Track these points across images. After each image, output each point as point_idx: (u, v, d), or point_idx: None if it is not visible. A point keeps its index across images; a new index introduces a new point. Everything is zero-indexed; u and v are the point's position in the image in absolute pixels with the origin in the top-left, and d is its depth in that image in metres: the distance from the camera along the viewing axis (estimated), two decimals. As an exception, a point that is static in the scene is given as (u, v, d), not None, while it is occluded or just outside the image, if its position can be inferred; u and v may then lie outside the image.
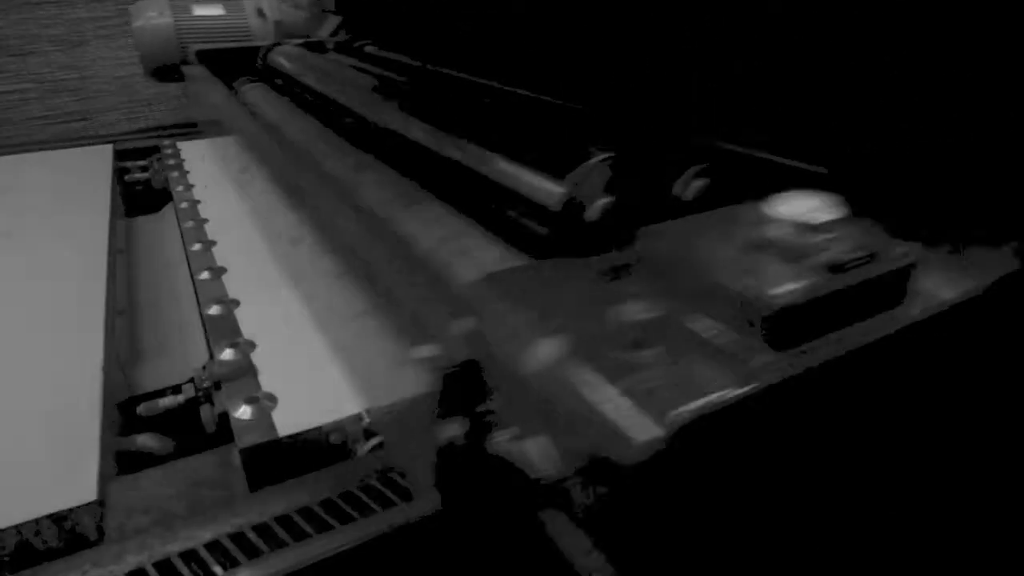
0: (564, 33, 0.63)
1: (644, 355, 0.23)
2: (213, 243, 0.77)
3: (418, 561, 0.37)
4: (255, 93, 0.93)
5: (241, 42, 1.35)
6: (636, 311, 0.25)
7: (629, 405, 0.21)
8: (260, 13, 1.41)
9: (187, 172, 1.04)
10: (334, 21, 1.25)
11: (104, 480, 0.41)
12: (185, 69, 1.24)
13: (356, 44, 1.15)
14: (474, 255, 0.38)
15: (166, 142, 1.19)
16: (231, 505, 0.38)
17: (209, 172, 1.04)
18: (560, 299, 0.27)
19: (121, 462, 0.47)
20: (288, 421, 0.46)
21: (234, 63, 1.17)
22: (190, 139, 1.24)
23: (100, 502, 0.39)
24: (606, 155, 0.37)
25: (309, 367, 0.52)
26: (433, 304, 0.32)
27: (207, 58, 1.20)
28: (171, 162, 1.09)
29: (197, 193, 0.94)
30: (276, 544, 0.35)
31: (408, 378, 0.50)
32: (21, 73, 1.81)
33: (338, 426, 0.45)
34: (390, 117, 0.62)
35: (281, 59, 1.10)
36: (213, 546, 0.35)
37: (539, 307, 0.26)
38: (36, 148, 1.19)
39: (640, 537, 0.23)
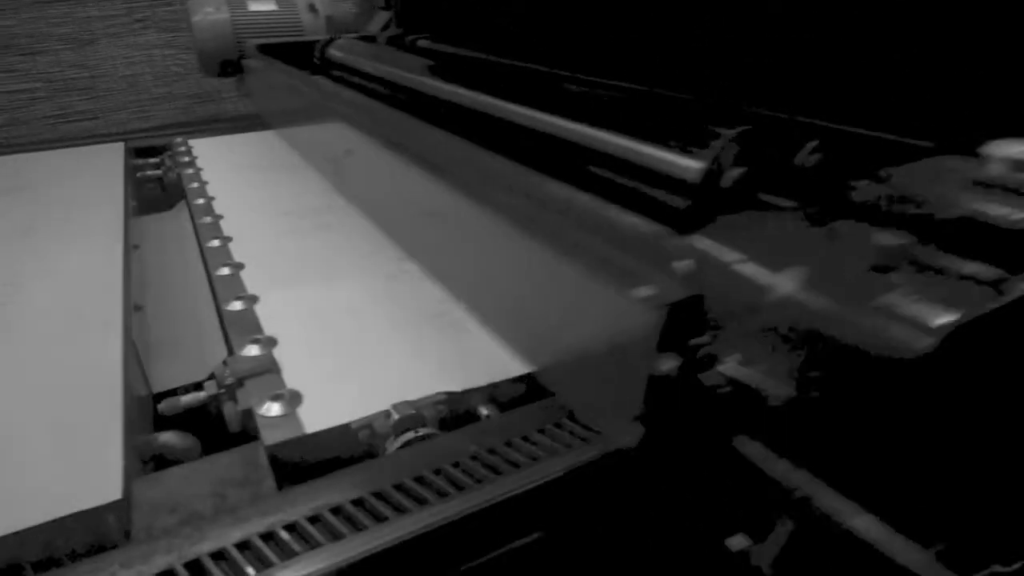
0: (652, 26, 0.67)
1: (893, 277, 0.27)
2: (229, 239, 0.76)
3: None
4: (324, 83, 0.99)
5: (293, 37, 1.40)
6: (870, 241, 0.29)
7: (892, 317, 0.25)
8: (312, 8, 1.45)
9: (200, 169, 1.03)
10: (383, 17, 1.28)
11: (129, 479, 0.40)
12: (247, 62, 1.29)
13: (409, 39, 1.18)
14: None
15: (178, 139, 1.18)
16: (259, 504, 0.37)
17: (222, 168, 1.04)
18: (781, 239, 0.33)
19: (144, 460, 0.46)
20: (314, 418, 0.45)
21: (291, 57, 1.22)
22: (201, 136, 1.23)
23: (125, 501, 0.38)
24: (740, 129, 0.42)
25: (333, 363, 0.51)
26: (642, 250, 0.38)
27: (267, 52, 1.26)
28: (184, 159, 1.08)
29: (211, 190, 0.93)
30: (309, 544, 0.34)
31: (434, 371, 0.49)
32: (31, 72, 1.81)
33: (366, 423, 0.44)
34: (502, 108, 0.66)
35: (342, 52, 1.15)
36: (243, 546, 0.34)
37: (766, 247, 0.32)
38: (47, 147, 1.18)
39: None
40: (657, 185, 0.46)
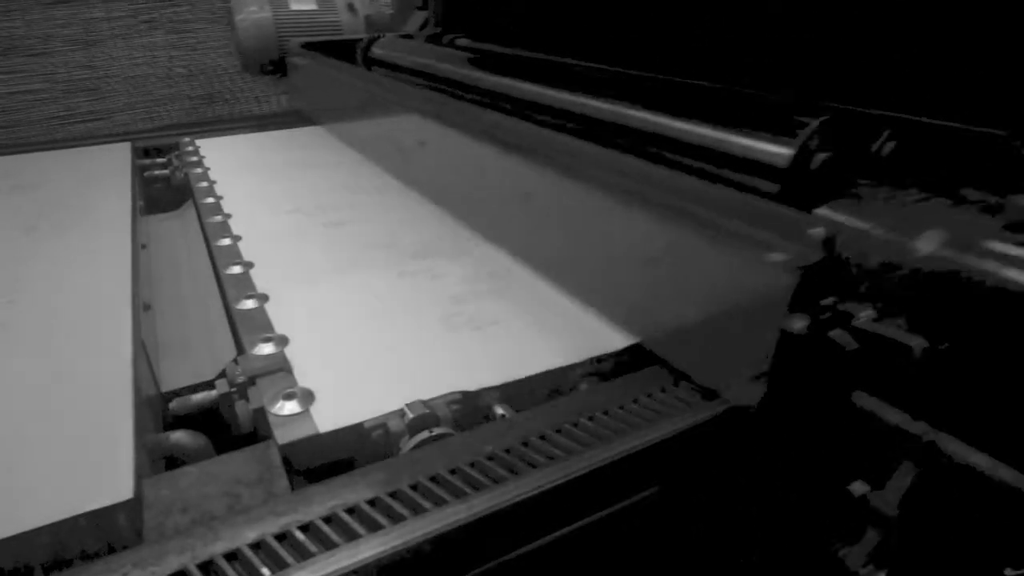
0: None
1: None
2: (239, 237, 0.75)
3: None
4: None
5: (332, 36, 1.44)
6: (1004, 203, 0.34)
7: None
8: (350, 8, 1.50)
9: (208, 168, 1.02)
10: (419, 17, 1.32)
11: (140, 478, 0.39)
12: (294, 59, 1.33)
13: (448, 37, 1.23)
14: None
15: (186, 139, 1.18)
16: (273, 504, 0.36)
17: (230, 168, 1.03)
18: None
19: (155, 460, 0.45)
20: (327, 417, 0.44)
21: (332, 54, 1.27)
22: (208, 136, 1.23)
23: (137, 500, 0.37)
24: (823, 119, 0.45)
25: (346, 362, 0.51)
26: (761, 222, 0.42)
27: (312, 49, 1.31)
28: (192, 159, 1.07)
29: (219, 189, 0.93)
30: (324, 544, 0.33)
31: (448, 370, 0.48)
32: (37, 73, 1.81)
33: (380, 422, 0.43)
34: (582, 103, 0.71)
35: (385, 50, 1.21)
36: (257, 546, 0.34)
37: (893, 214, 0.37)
38: (54, 147, 1.18)
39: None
40: (752, 169, 0.49)
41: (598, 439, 0.40)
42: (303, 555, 0.33)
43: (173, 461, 0.47)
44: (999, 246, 0.33)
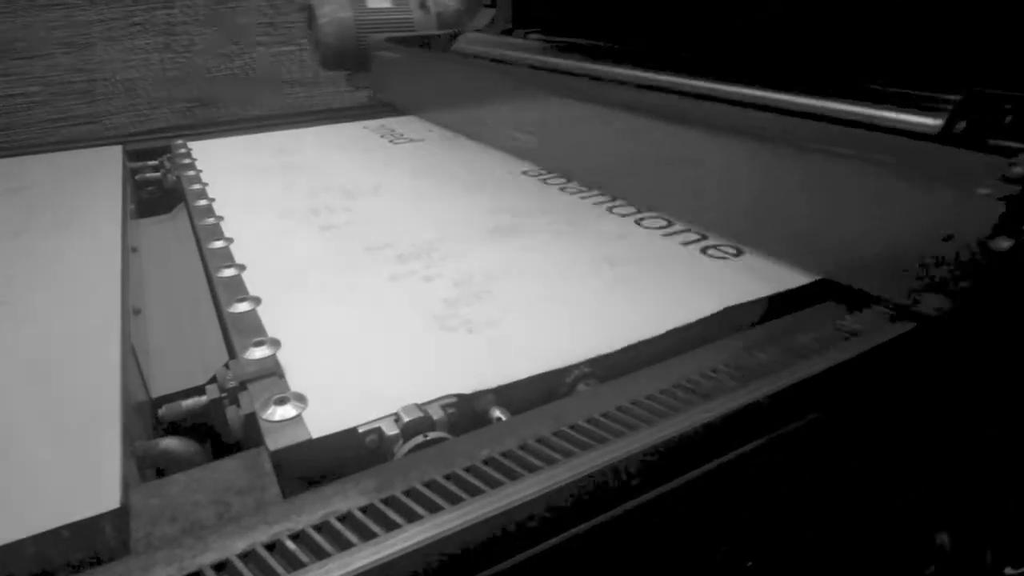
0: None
1: None
2: (231, 240, 0.74)
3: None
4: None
5: (406, 33, 1.55)
6: None
7: None
8: (423, 6, 1.59)
9: (200, 171, 1.01)
10: (487, 14, 1.43)
11: (127, 487, 0.38)
12: (382, 53, 1.44)
13: (522, 32, 1.33)
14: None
15: (178, 141, 1.17)
16: (264, 512, 0.35)
17: (222, 170, 1.02)
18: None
19: (144, 467, 0.44)
20: (319, 423, 0.43)
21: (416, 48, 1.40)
22: (200, 139, 1.22)
23: (124, 510, 0.36)
24: (961, 96, 0.55)
25: (339, 366, 0.50)
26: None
27: (399, 43, 1.43)
28: (184, 161, 1.06)
29: (211, 191, 0.92)
30: (316, 553, 0.32)
31: (443, 373, 0.47)
32: (29, 76, 1.80)
33: (374, 427, 0.42)
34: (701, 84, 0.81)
35: (470, 44, 1.32)
36: (247, 556, 0.33)
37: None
38: (45, 150, 1.17)
39: None
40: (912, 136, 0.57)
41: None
42: (294, 565, 0.32)
43: (164, 468, 0.46)
44: None
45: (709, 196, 0.71)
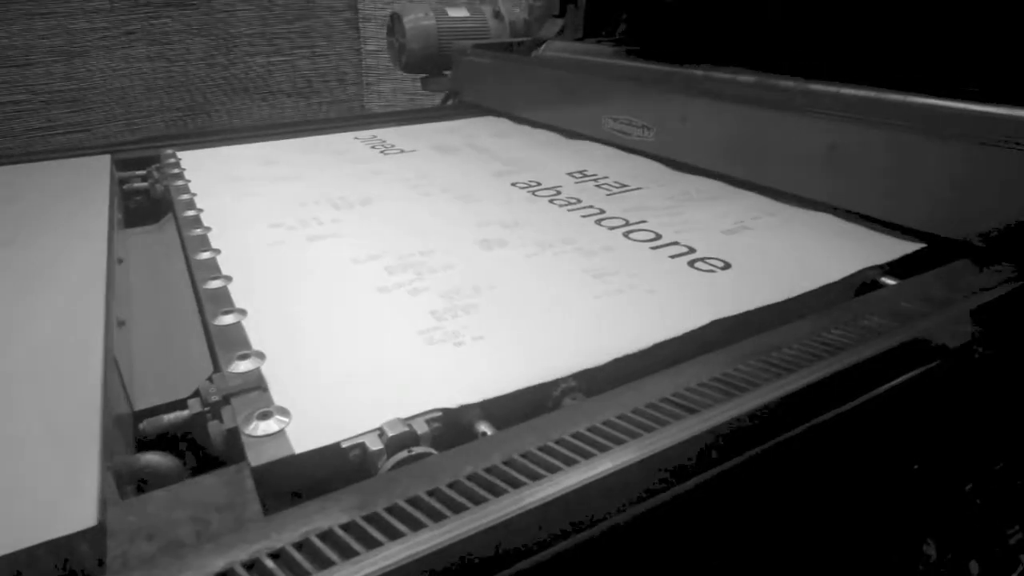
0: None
1: None
2: (218, 251, 0.74)
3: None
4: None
5: (481, 39, 1.67)
6: None
7: None
8: (497, 15, 1.74)
9: (189, 181, 1.01)
10: (557, 23, 1.53)
11: (105, 504, 0.37)
12: (469, 58, 1.55)
13: (592, 40, 1.44)
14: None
15: (168, 151, 1.16)
16: (243, 530, 0.35)
17: (211, 180, 1.02)
18: None
19: (124, 484, 0.43)
20: (303, 437, 0.43)
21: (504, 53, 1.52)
22: (190, 149, 1.21)
23: (100, 528, 0.36)
24: None
25: (324, 380, 0.49)
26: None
27: (488, 49, 1.55)
28: (173, 171, 1.06)
29: (199, 201, 0.91)
30: (295, 572, 0.32)
31: (428, 387, 0.47)
32: (19, 84, 1.79)
33: (358, 442, 0.42)
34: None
35: (555, 52, 1.45)
36: (226, 576, 0.32)
37: None
38: (33, 159, 1.16)
39: None
40: None
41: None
42: (273, 585, 0.31)
43: (145, 484, 0.45)
44: None
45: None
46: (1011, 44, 0.81)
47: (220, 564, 0.33)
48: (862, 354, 0.50)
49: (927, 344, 0.54)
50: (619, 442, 0.41)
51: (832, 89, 0.89)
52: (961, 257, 0.66)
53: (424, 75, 1.78)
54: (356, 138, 1.30)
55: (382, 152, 1.18)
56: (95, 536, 0.35)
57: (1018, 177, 0.64)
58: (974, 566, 0.77)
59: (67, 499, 0.37)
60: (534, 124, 1.35)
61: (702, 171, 0.98)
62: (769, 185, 0.89)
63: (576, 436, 0.41)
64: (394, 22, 1.71)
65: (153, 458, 0.44)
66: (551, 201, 0.89)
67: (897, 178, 0.74)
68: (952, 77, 0.81)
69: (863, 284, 0.67)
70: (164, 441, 0.50)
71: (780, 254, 0.71)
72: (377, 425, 0.43)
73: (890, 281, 0.67)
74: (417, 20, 1.67)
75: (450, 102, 1.73)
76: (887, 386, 0.52)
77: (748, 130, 0.91)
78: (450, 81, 1.66)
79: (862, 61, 0.94)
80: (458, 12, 1.72)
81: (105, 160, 1.12)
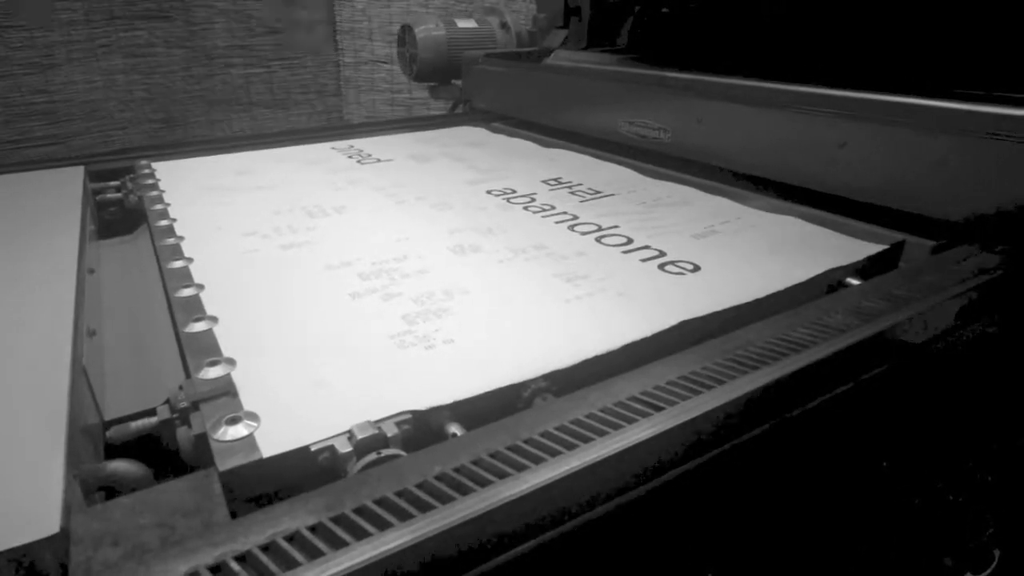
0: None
1: None
2: (190, 260, 0.73)
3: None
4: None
5: (489, 49, 1.71)
6: None
7: None
8: (503, 26, 1.80)
9: (163, 191, 1.00)
10: (561, 34, 1.59)
11: (69, 511, 0.37)
12: (481, 66, 1.59)
13: (596, 50, 1.49)
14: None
15: (142, 161, 1.16)
16: (209, 534, 0.35)
17: (185, 190, 1.01)
18: None
19: (91, 491, 0.43)
20: (272, 441, 0.42)
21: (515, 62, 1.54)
22: (165, 159, 1.21)
23: (63, 535, 0.35)
24: None
25: (294, 385, 0.49)
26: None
27: (500, 59, 1.58)
28: (147, 181, 1.05)
29: (173, 211, 0.91)
30: (260, 574, 0.32)
31: (398, 391, 0.47)
32: (-11, 97, 1.77)
33: (327, 445, 0.42)
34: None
35: (560, 61, 1.47)
36: (191, 579, 0.32)
37: None
38: (6, 171, 1.14)
39: None
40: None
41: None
42: (238, 586, 0.31)
43: (114, 492, 0.45)
44: None
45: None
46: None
47: (184, 568, 0.32)
48: (825, 351, 0.51)
49: (889, 341, 0.55)
50: (587, 440, 0.41)
51: (831, 93, 0.92)
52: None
53: (433, 84, 1.83)
54: (333, 148, 1.30)
55: (359, 161, 1.18)
56: (58, 543, 0.35)
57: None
58: (948, 561, 0.78)
59: (30, 507, 0.37)
60: (549, 130, 1.39)
61: (712, 169, 1.02)
62: (780, 180, 0.94)
63: (545, 435, 0.42)
64: (405, 33, 1.76)
65: (120, 466, 0.44)
66: (525, 208, 0.90)
67: (895, 166, 0.80)
68: (937, 78, 0.86)
69: (829, 286, 0.69)
70: (134, 449, 0.50)
71: (749, 256, 0.72)
72: (347, 428, 0.43)
73: (855, 281, 0.69)
74: (428, 31, 1.73)
75: (458, 110, 1.78)
76: (850, 384, 0.53)
77: (761, 129, 0.96)
78: (461, 89, 1.71)
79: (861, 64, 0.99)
80: (467, 23, 1.78)
81: (79, 171, 1.11)
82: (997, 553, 0.80)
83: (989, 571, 0.80)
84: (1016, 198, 0.69)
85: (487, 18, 1.81)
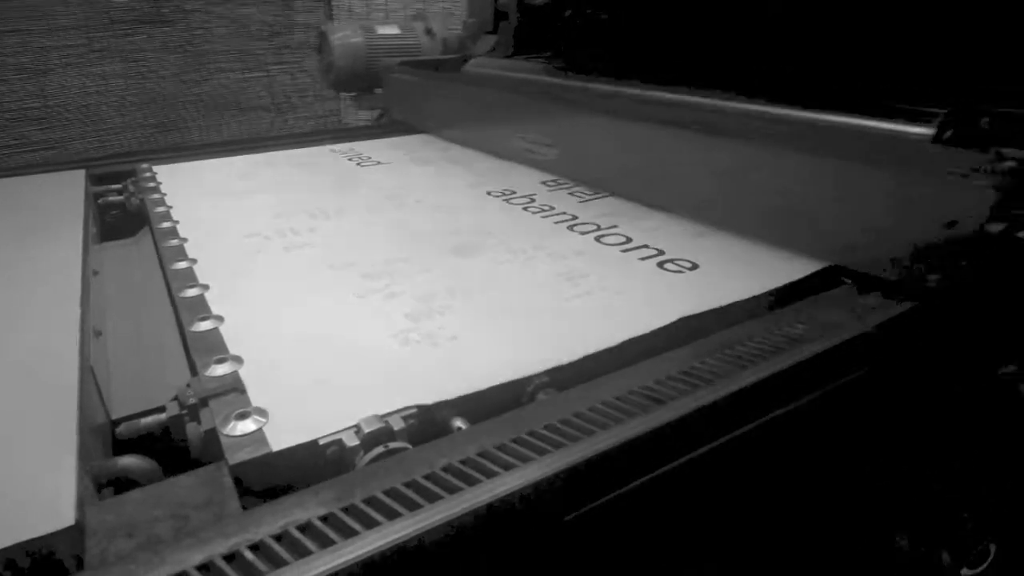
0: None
1: None
2: (194, 261, 0.74)
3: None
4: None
5: (413, 57, 1.64)
6: None
7: None
8: (428, 32, 1.73)
9: (164, 194, 1.01)
10: (490, 40, 1.52)
11: (83, 505, 0.38)
12: (395, 75, 1.51)
13: (523, 58, 1.41)
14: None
15: (143, 165, 1.16)
16: (222, 525, 0.36)
17: (186, 193, 1.02)
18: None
19: (102, 486, 0.44)
20: (281, 436, 0.43)
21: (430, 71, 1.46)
22: (166, 163, 1.21)
23: (78, 527, 0.36)
24: (949, 109, 0.62)
25: (300, 381, 0.50)
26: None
27: (413, 67, 1.51)
28: (148, 184, 1.06)
29: (175, 214, 0.91)
30: (274, 563, 0.33)
31: (404, 386, 0.48)
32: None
33: (335, 439, 0.43)
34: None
35: (479, 68, 1.40)
36: (205, 568, 0.33)
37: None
38: (9, 174, 1.15)
39: None
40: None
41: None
42: (252, 575, 0.32)
43: (123, 488, 0.45)
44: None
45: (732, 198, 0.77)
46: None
47: (199, 558, 0.33)
48: (814, 349, 0.52)
49: (880, 339, 0.56)
50: (590, 433, 0.42)
51: (741, 106, 0.85)
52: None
53: (353, 93, 1.75)
54: (333, 151, 1.31)
55: (358, 164, 1.19)
56: (73, 535, 0.36)
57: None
58: (946, 557, 0.79)
59: (45, 500, 0.37)
60: (456, 143, 1.31)
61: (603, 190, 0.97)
62: (664, 207, 0.86)
63: (549, 428, 0.43)
64: (321, 40, 1.68)
65: (131, 461, 0.45)
66: (525, 208, 0.91)
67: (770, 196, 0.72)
68: (866, 94, 0.78)
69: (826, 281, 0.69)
70: (141, 446, 0.50)
71: (747, 254, 0.73)
72: (354, 422, 0.44)
73: (848, 280, 0.70)
74: (345, 38, 1.65)
75: (383, 119, 1.69)
76: (850, 376, 0.54)
77: (643, 149, 0.88)
78: (381, 99, 1.64)
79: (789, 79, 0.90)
80: (389, 30, 1.71)
81: (80, 175, 1.12)
82: (993, 548, 0.81)
83: (984, 566, 0.81)
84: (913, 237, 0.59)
85: (412, 24, 1.75)
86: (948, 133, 0.62)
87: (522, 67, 1.32)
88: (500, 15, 1.47)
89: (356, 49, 1.65)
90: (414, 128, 1.46)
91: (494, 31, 1.50)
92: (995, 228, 0.53)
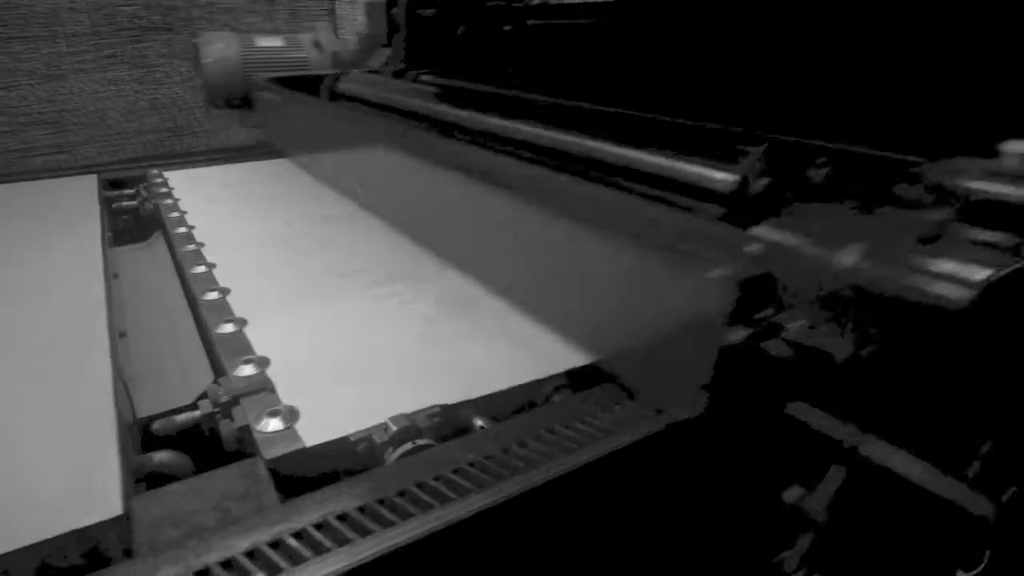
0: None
1: (932, 247, 0.36)
2: (213, 265, 0.76)
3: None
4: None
5: (299, 71, 1.48)
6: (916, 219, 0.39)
7: (938, 276, 0.35)
8: (317, 45, 1.56)
9: (178, 199, 1.03)
10: (384, 54, 1.41)
11: (128, 496, 0.40)
12: (260, 93, 1.38)
13: (412, 73, 1.31)
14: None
15: (154, 170, 1.18)
16: (264, 514, 0.38)
17: (199, 199, 1.04)
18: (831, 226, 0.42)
19: (138, 480, 0.46)
20: (312, 434, 0.45)
21: (301, 89, 1.32)
22: (177, 168, 1.23)
23: (126, 517, 0.38)
24: (763, 147, 0.52)
25: (327, 382, 0.52)
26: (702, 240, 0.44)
27: (280, 84, 1.36)
28: (161, 190, 1.08)
29: (190, 219, 0.93)
30: (317, 550, 0.35)
31: (426, 386, 0.50)
32: (-4, 106, 1.79)
33: (365, 435, 0.45)
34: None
35: (353, 85, 1.28)
36: (252, 554, 0.35)
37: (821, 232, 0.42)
38: (15, 180, 1.16)
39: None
40: (701, 194, 0.55)
41: (558, 451, 0.42)
42: (297, 561, 0.34)
43: (155, 482, 0.47)
44: (913, 258, 0.38)
45: (499, 258, 0.66)
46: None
47: (245, 544, 0.35)
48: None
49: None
50: (608, 433, 0.44)
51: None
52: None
53: (230, 110, 1.55)
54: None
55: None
56: (121, 524, 0.38)
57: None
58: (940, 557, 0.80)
59: (93, 492, 0.39)
60: (305, 168, 1.19)
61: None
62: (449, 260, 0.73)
63: (568, 427, 0.45)
64: (195, 52, 1.51)
65: (167, 456, 0.47)
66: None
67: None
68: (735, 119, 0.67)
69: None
70: (168, 443, 0.52)
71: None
72: (381, 420, 0.46)
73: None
74: (218, 51, 1.48)
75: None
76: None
77: (427, 195, 0.77)
78: (255, 117, 1.47)
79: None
80: (270, 42, 1.54)
81: (91, 180, 1.13)
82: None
83: (979, 569, 0.83)
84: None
85: (299, 37, 1.59)
86: (760, 184, 0.48)
87: (386, 86, 1.20)
88: (394, 27, 1.34)
89: (230, 63, 1.48)
90: (280, 152, 1.33)
91: (388, 43, 1.40)
92: (734, 336, 0.39)
